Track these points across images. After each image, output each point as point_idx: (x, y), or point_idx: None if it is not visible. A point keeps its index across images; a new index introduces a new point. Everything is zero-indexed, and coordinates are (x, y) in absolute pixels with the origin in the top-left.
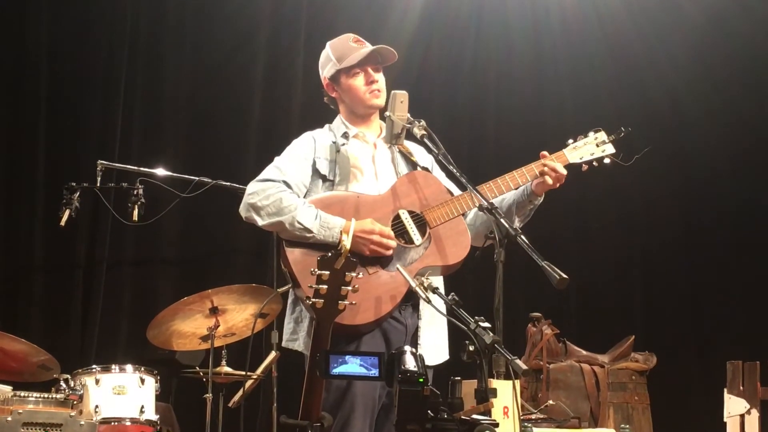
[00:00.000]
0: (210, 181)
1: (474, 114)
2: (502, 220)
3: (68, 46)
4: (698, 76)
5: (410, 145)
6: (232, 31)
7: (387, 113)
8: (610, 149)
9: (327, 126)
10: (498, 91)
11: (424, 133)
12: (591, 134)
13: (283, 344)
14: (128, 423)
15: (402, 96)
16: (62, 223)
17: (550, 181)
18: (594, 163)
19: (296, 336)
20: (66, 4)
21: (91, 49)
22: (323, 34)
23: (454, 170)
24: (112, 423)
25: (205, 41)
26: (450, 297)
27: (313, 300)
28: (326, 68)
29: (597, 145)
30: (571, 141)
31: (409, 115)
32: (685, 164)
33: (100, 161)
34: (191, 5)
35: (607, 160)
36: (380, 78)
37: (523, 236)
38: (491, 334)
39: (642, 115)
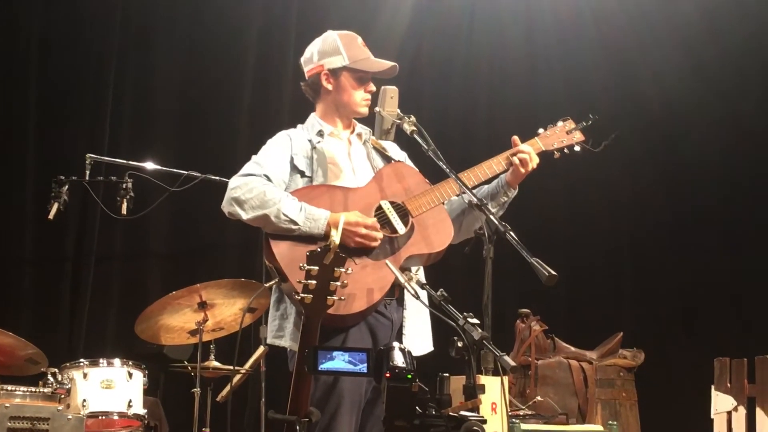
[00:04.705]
0: (199, 175)
1: (465, 109)
2: (492, 217)
3: (58, 40)
4: (689, 70)
5: (383, 142)
6: (223, 26)
7: (377, 109)
8: (579, 136)
9: (300, 126)
10: (490, 86)
11: (414, 128)
12: (560, 123)
13: (269, 341)
14: (116, 417)
15: (392, 92)
16: (51, 216)
17: (522, 169)
18: (565, 150)
19: (282, 332)
20: None
21: (82, 43)
22: (314, 30)
23: (444, 166)
24: (100, 417)
25: (196, 36)
26: (439, 293)
27: (302, 295)
28: (330, 59)
29: (567, 133)
30: (541, 130)
31: (399, 110)
32: (675, 159)
33: (89, 155)
34: (182, 0)
35: (577, 148)
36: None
37: (512, 233)
38: (480, 330)
39: (634, 109)
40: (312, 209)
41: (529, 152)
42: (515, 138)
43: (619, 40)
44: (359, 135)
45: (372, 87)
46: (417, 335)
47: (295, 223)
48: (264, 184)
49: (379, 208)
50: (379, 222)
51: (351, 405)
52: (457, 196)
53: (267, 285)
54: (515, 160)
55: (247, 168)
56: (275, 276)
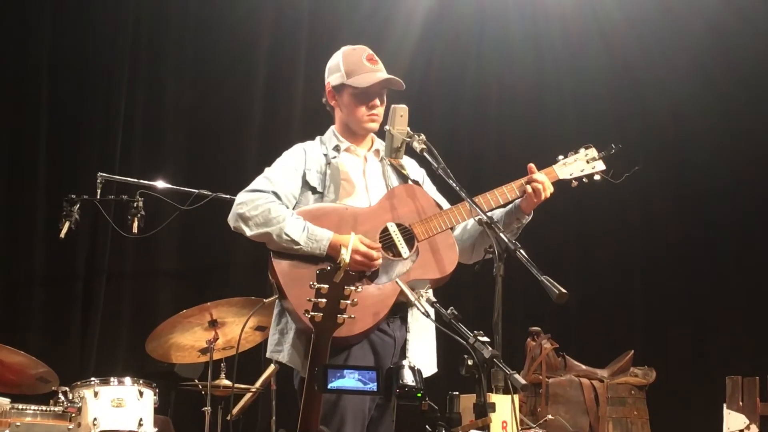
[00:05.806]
0: (210, 193)
1: (475, 127)
2: (502, 235)
3: (69, 59)
4: (699, 88)
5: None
6: (233, 44)
7: (387, 127)
8: (600, 166)
9: (318, 138)
10: (499, 103)
11: (424, 147)
12: (582, 150)
13: (267, 355)
14: None
15: (402, 110)
16: (62, 235)
17: (535, 199)
18: (584, 180)
19: (281, 347)
20: (68, 16)
21: (93, 60)
22: (325, 46)
23: (454, 184)
24: None
25: (206, 53)
26: (449, 311)
27: (312, 313)
28: (333, 76)
29: (587, 162)
30: (561, 157)
31: (409, 129)
32: (686, 177)
33: (100, 173)
34: (192, 17)
35: (597, 177)
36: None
37: (522, 251)
38: (490, 348)
39: (643, 127)
40: (315, 230)
41: (543, 182)
42: (531, 165)
43: (628, 57)
44: (377, 152)
45: (377, 102)
46: (421, 356)
47: (297, 243)
48: (270, 201)
49: (385, 230)
50: (385, 244)
51: (354, 421)
52: (475, 219)
53: (266, 301)
54: (528, 188)
55: (256, 183)
56: (277, 292)
